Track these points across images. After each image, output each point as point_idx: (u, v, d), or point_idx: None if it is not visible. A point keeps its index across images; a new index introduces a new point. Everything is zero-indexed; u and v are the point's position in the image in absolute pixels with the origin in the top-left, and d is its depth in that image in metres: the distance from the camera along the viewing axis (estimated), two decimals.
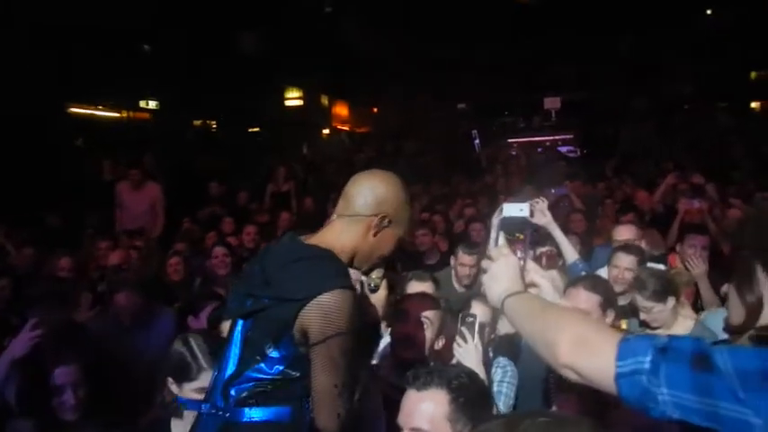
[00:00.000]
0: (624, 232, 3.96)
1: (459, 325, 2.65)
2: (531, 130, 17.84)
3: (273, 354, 1.77)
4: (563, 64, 18.92)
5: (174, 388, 2.09)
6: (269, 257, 1.89)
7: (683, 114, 18.81)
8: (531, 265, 1.57)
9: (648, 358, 1.05)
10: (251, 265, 2.01)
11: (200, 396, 1.97)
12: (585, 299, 2.63)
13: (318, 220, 6.71)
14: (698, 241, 4.17)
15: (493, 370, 2.74)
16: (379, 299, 1.98)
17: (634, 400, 1.07)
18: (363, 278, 1.94)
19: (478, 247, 4.25)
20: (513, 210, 1.63)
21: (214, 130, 16.34)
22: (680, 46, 17.90)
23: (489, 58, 18.95)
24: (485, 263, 1.53)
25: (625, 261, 3.53)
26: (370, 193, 1.88)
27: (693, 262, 3.94)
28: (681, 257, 4.20)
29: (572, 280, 2.88)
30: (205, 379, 2.01)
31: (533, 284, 1.57)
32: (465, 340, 2.42)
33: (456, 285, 4.31)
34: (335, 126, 20.60)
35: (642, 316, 3.10)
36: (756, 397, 0.96)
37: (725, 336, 3.03)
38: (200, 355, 2.06)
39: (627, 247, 3.72)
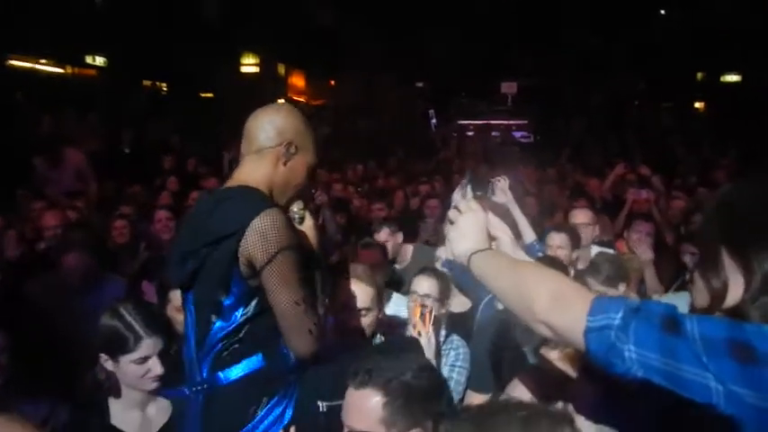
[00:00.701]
0: (580, 216, 4.02)
1: (411, 314, 2.63)
2: (486, 114, 17.98)
3: (227, 301, 1.74)
4: (521, 51, 19.10)
5: (108, 364, 1.95)
6: (193, 214, 1.92)
7: (632, 110, 19.38)
8: (490, 216, 1.52)
9: (620, 315, 1.06)
10: (180, 230, 2.03)
11: (142, 366, 1.91)
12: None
13: None
14: (644, 228, 4.30)
15: (444, 349, 2.73)
16: (308, 227, 1.98)
17: (601, 355, 1.08)
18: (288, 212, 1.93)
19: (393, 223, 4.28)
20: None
21: (164, 92, 15.76)
22: (633, 44, 18.33)
23: (449, 38, 18.94)
24: (452, 214, 1.50)
25: (557, 239, 3.51)
26: (269, 125, 1.89)
27: (640, 248, 4.05)
28: (627, 243, 4.31)
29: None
30: (146, 348, 1.91)
31: (492, 237, 1.53)
32: (419, 334, 2.40)
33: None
34: (291, 96, 20.22)
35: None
36: (718, 363, 0.98)
37: None
38: (135, 325, 1.91)
39: (558, 227, 3.77)
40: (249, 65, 17.04)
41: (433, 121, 16.98)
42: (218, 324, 1.76)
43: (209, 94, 16.15)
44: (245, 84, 16.44)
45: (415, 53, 18.80)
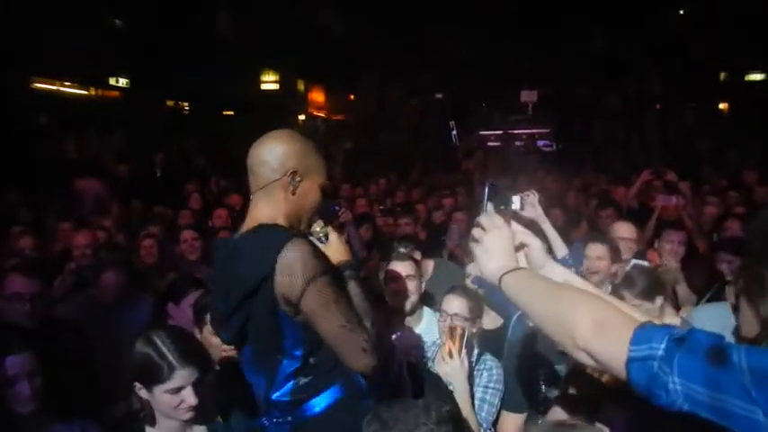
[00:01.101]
0: (623, 230, 3.90)
1: (441, 335, 2.58)
2: (508, 123, 17.89)
3: (286, 344, 1.78)
4: (540, 59, 19.01)
5: (143, 393, 1.91)
6: (217, 269, 1.91)
7: (653, 113, 19.12)
8: (515, 226, 1.49)
9: (663, 345, 1.04)
10: (212, 289, 2.04)
11: (176, 397, 1.88)
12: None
13: None
14: (676, 237, 4.17)
15: (477, 369, 2.68)
16: (333, 243, 1.96)
17: (643, 386, 1.05)
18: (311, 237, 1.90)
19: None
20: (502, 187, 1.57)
21: (186, 111, 15.98)
22: (651, 45, 18.13)
23: (468, 49, 18.95)
24: (476, 232, 1.45)
25: (597, 250, 3.45)
26: (270, 156, 1.86)
27: (673, 258, 3.95)
28: (659, 253, 4.20)
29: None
30: (179, 378, 1.86)
31: (523, 245, 1.49)
32: (451, 355, 2.33)
33: None
34: (311, 112, 20.38)
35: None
36: (767, 395, 0.94)
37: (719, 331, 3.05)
38: (168, 354, 1.86)
39: (597, 237, 3.69)
40: (269, 82, 17.22)
41: (454, 132, 16.92)
42: (284, 362, 1.81)
43: (231, 112, 16.34)
44: (265, 101, 16.62)
45: (434, 64, 18.83)
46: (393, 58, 18.38)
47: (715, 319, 3.09)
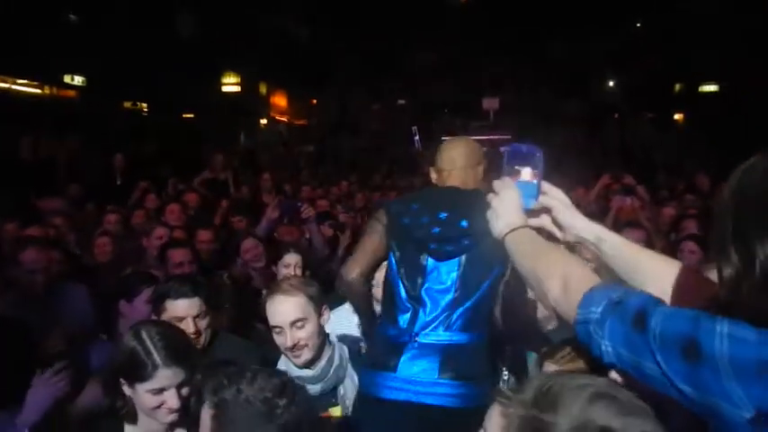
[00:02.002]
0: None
1: None
2: (470, 130, 18.07)
3: (484, 284, 2.24)
4: (501, 66, 19.26)
5: (127, 390, 1.79)
6: (457, 201, 2.29)
7: (612, 122, 19.59)
8: (545, 186, 1.53)
9: (600, 309, 1.11)
10: (430, 205, 2.32)
11: (157, 397, 1.75)
12: None
13: (253, 208, 6.49)
14: (634, 235, 4.21)
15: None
16: None
17: (586, 346, 1.14)
18: None
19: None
20: (522, 147, 1.58)
21: (145, 113, 15.63)
22: (611, 56, 18.57)
23: (430, 55, 19.07)
24: (490, 197, 1.53)
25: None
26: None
27: None
28: None
29: None
30: (162, 379, 1.74)
31: (547, 207, 1.53)
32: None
33: None
34: (273, 116, 20.19)
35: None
36: (668, 360, 1.00)
37: None
38: (154, 352, 1.75)
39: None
40: (230, 84, 16.96)
41: (417, 137, 17.01)
42: (475, 295, 2.25)
43: (191, 115, 16.05)
44: (226, 103, 16.38)
45: (397, 70, 18.88)
46: (356, 63, 18.36)
47: None
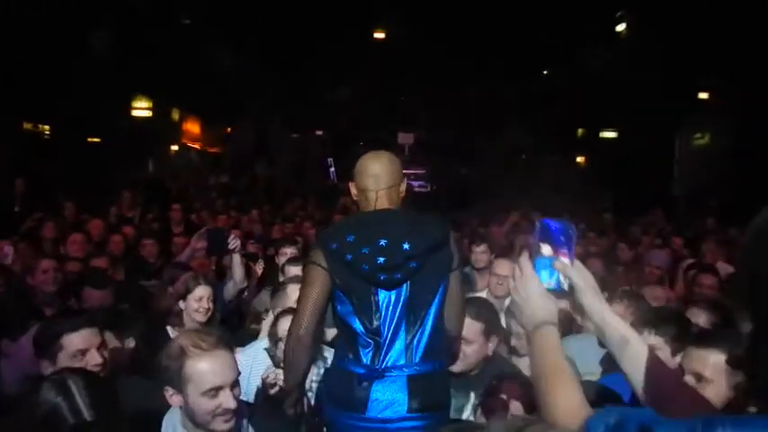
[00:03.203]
0: (504, 268, 4.06)
1: None
2: None
3: (434, 300, 2.24)
4: (417, 103, 19.79)
5: None
6: (396, 224, 2.26)
7: (521, 162, 20.50)
8: (577, 264, 1.49)
9: None
10: (365, 232, 2.24)
11: None
12: (469, 326, 2.56)
13: (162, 240, 6.18)
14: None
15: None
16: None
17: None
18: None
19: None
20: (551, 223, 1.51)
21: (47, 136, 14.68)
22: (520, 101, 19.55)
23: (347, 89, 19.30)
24: (510, 282, 1.50)
25: (505, 268, 3.81)
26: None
27: None
28: None
29: None
30: None
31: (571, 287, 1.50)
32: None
33: None
34: (185, 143, 19.60)
35: (513, 341, 3.13)
36: None
37: (587, 363, 3.15)
38: (83, 409, 1.54)
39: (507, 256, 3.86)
40: (141, 108, 16.30)
41: (332, 169, 17.04)
42: (425, 321, 2.25)
43: (97, 139, 15.26)
44: (136, 128, 15.71)
45: (314, 102, 18.94)
46: (273, 93, 18.26)
47: (583, 350, 3.23)
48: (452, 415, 2.45)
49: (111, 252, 5.52)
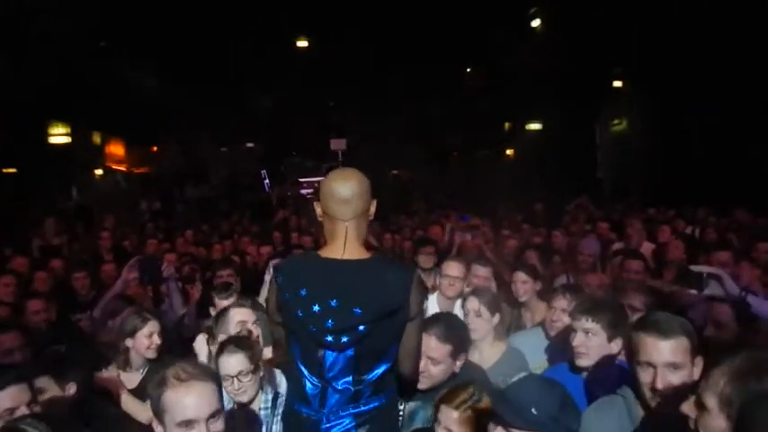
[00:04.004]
0: (455, 269, 4.11)
1: None
2: (322, 171, 18.26)
3: (392, 348, 2.23)
4: (347, 109, 19.80)
5: None
6: (342, 290, 2.14)
7: (453, 161, 20.87)
8: None
9: None
10: (317, 294, 2.15)
11: None
12: (435, 347, 2.58)
13: (91, 268, 5.94)
14: (481, 272, 4.46)
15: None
16: None
17: None
18: None
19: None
20: None
21: None
22: (445, 98, 19.86)
23: (273, 98, 19.10)
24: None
25: (455, 269, 3.95)
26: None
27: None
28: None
29: (427, 321, 2.65)
30: None
31: None
32: None
33: None
34: (110, 166, 18.87)
35: (470, 321, 3.22)
36: None
37: (535, 357, 3.25)
38: None
39: (458, 257, 4.11)
40: (58, 135, 15.56)
41: (266, 181, 16.82)
42: (375, 370, 2.20)
43: (12, 170, 14.48)
44: (55, 156, 14.99)
45: (241, 114, 18.64)
46: (198, 107, 17.85)
47: (530, 344, 3.35)
48: (423, 425, 2.51)
49: (37, 290, 5.29)
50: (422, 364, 2.47)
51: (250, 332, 3.04)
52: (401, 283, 2.18)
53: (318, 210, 2.28)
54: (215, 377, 1.96)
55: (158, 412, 1.85)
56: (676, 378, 1.99)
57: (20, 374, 2.25)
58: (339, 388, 2.18)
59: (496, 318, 3.28)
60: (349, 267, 2.18)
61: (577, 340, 2.60)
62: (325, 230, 2.27)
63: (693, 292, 3.45)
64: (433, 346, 2.57)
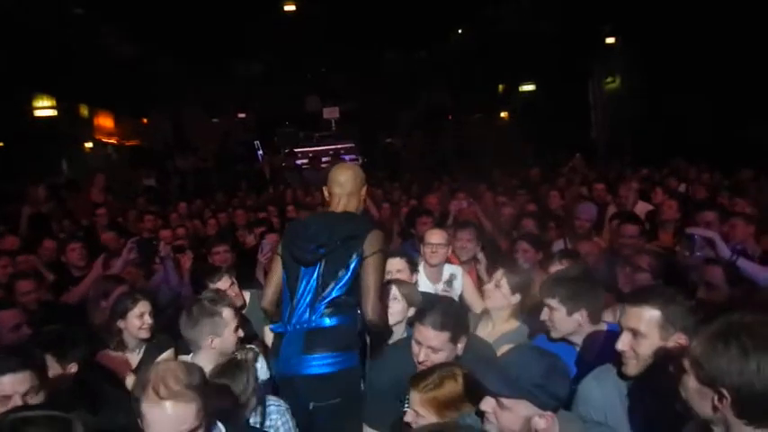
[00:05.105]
0: (437, 236, 4.10)
1: None
2: (313, 141, 18.07)
3: (343, 275, 2.89)
4: (338, 76, 19.52)
5: None
6: (321, 224, 3.01)
7: (446, 124, 20.69)
8: None
9: None
10: (302, 230, 3.06)
11: None
12: (433, 336, 2.60)
13: (90, 241, 5.86)
14: (465, 234, 4.46)
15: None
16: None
17: None
18: None
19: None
20: None
21: None
22: (437, 62, 19.60)
23: (263, 66, 18.81)
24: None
25: (437, 236, 3.98)
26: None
27: (462, 254, 4.31)
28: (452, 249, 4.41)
29: (418, 313, 2.78)
30: None
31: None
32: None
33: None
34: (99, 139, 18.62)
35: (488, 288, 3.30)
36: None
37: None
38: None
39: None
40: (44, 108, 15.26)
41: (260, 152, 16.65)
42: (333, 287, 2.89)
43: None
44: (41, 129, 14.74)
45: (232, 84, 18.37)
46: (186, 77, 17.55)
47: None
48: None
49: (42, 258, 5.29)
50: (422, 353, 2.61)
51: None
52: (362, 224, 3.03)
53: (326, 192, 3.17)
54: (198, 391, 1.86)
55: (138, 412, 1.85)
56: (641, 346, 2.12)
57: (25, 362, 2.24)
58: (301, 302, 2.93)
59: (516, 297, 3.23)
60: (325, 216, 3.13)
61: (543, 315, 2.72)
62: (330, 203, 3.15)
63: (686, 254, 3.43)
64: (431, 335, 2.61)
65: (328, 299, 2.87)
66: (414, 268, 3.71)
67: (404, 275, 3.53)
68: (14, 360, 2.23)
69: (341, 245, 2.89)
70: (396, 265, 3.56)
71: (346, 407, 2.84)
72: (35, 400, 2.21)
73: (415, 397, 2.31)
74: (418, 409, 2.28)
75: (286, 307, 2.98)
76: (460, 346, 2.69)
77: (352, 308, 2.92)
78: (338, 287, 2.87)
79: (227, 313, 2.89)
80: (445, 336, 2.63)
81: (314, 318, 2.87)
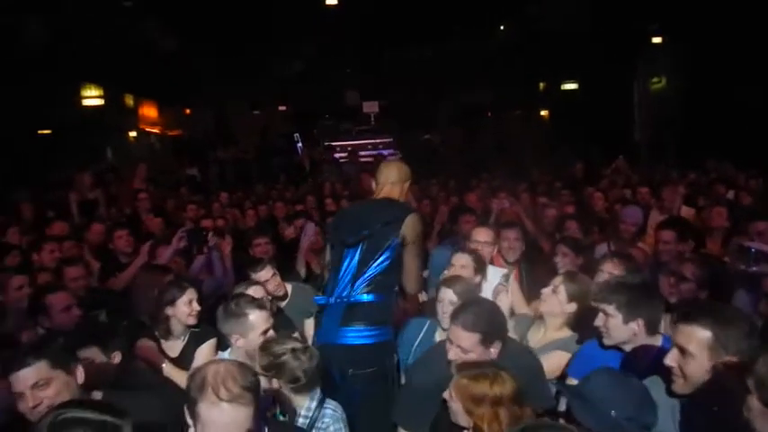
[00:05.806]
0: (482, 235, 4.06)
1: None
2: (353, 135, 18.10)
3: (382, 255, 3.25)
4: (377, 71, 19.49)
5: None
6: (365, 209, 3.58)
7: (485, 120, 20.47)
8: None
9: None
10: (348, 214, 3.79)
11: None
12: (463, 337, 2.60)
13: (134, 228, 5.98)
14: (510, 234, 4.39)
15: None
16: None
17: None
18: None
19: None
20: None
21: None
22: (478, 58, 19.38)
23: (304, 62, 18.90)
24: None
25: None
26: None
27: (509, 254, 4.21)
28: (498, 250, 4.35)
29: (454, 311, 2.78)
30: None
31: None
32: None
33: None
34: (143, 128, 19.03)
35: (544, 292, 3.23)
36: None
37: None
38: None
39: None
40: (92, 97, 15.65)
41: (299, 144, 16.78)
42: (372, 266, 3.28)
43: (47, 131, 14.67)
44: (88, 118, 15.12)
45: (274, 77, 18.51)
46: (228, 69, 17.75)
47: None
48: None
49: (91, 242, 5.42)
50: (452, 352, 2.65)
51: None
52: (401, 210, 3.39)
53: (373, 183, 3.58)
54: (256, 394, 1.90)
55: (192, 412, 1.85)
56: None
57: (38, 353, 2.25)
58: (343, 278, 3.31)
59: (572, 306, 3.12)
60: (369, 203, 3.61)
61: (598, 321, 2.65)
62: (375, 191, 3.54)
63: (742, 267, 3.34)
64: (462, 335, 2.61)
65: (367, 276, 3.24)
66: (479, 268, 3.60)
67: (467, 272, 3.49)
68: (32, 353, 2.26)
69: (381, 228, 3.24)
70: (461, 260, 3.55)
71: (381, 375, 3.22)
72: (47, 393, 2.21)
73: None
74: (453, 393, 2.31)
75: (330, 282, 3.38)
76: (494, 350, 2.65)
77: (389, 287, 3.31)
78: (376, 266, 3.25)
79: (254, 316, 2.91)
80: (476, 337, 2.60)
81: (353, 293, 3.24)
